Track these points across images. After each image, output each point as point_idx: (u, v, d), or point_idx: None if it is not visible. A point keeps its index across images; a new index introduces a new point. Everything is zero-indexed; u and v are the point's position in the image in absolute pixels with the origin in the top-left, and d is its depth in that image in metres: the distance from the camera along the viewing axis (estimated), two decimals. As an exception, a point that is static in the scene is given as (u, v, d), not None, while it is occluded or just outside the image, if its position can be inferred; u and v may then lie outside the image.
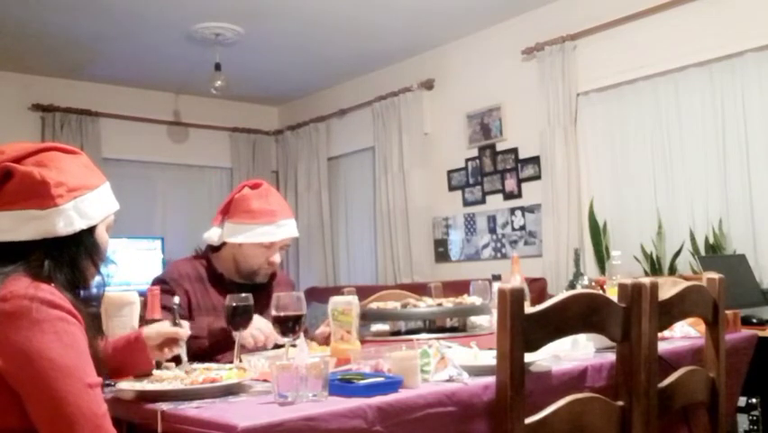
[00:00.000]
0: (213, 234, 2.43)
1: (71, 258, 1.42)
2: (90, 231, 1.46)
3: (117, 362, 1.67)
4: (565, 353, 1.91)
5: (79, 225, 1.42)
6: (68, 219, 1.40)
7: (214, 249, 2.45)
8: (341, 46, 5.31)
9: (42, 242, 1.39)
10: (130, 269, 5.36)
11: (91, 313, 1.43)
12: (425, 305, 2.34)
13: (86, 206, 1.44)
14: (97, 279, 1.52)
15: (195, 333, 2.07)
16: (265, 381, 1.59)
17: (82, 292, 1.45)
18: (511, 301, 1.49)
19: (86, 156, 1.53)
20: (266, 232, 2.36)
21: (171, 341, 1.73)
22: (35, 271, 1.35)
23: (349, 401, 1.38)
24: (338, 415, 1.33)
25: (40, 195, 1.38)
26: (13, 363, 1.25)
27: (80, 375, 1.27)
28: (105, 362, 1.59)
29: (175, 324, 1.75)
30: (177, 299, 1.86)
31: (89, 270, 1.47)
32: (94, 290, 1.52)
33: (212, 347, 2.16)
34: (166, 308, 1.95)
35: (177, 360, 1.85)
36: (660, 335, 1.89)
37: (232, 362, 1.87)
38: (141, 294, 1.99)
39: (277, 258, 2.43)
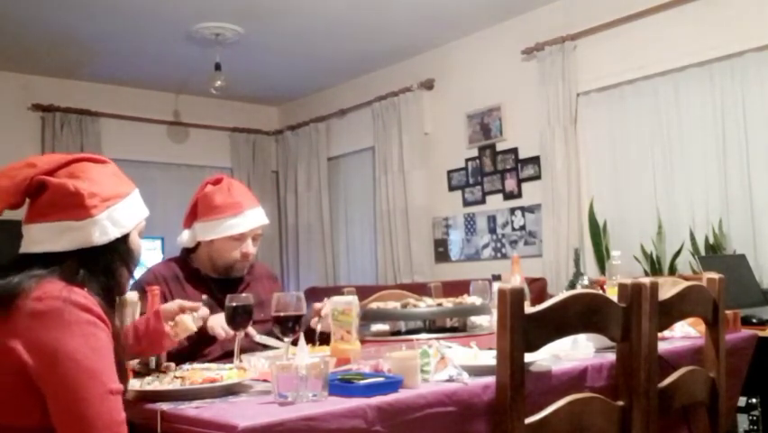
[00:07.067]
0: (184, 237, 2.43)
1: (106, 266, 1.45)
2: (124, 239, 1.50)
3: (141, 343, 1.72)
4: (565, 353, 1.91)
5: (114, 233, 1.46)
6: (102, 229, 1.44)
7: (190, 251, 2.46)
8: (341, 46, 5.31)
9: (77, 251, 1.42)
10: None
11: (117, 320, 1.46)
12: (425, 305, 2.35)
13: (119, 214, 1.48)
14: None
15: None
16: (265, 381, 1.59)
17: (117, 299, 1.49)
18: (511, 301, 1.49)
19: (114, 165, 1.57)
20: (233, 224, 2.35)
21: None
22: (69, 276, 1.38)
23: (349, 401, 1.38)
24: (338, 415, 1.33)
25: (74, 206, 1.42)
26: (41, 361, 1.27)
27: (104, 380, 1.30)
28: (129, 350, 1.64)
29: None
30: (205, 298, 1.87)
31: (124, 276, 1.51)
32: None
33: (192, 347, 2.17)
34: None
35: (177, 360, 1.85)
36: (660, 335, 1.89)
37: (220, 356, 1.88)
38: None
39: (251, 249, 2.42)
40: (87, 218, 1.42)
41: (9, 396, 1.29)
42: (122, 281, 1.50)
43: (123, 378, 1.40)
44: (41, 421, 1.29)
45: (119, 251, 1.48)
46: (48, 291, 1.32)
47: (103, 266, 1.44)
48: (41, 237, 1.41)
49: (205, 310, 1.80)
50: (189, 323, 1.74)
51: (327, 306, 2.14)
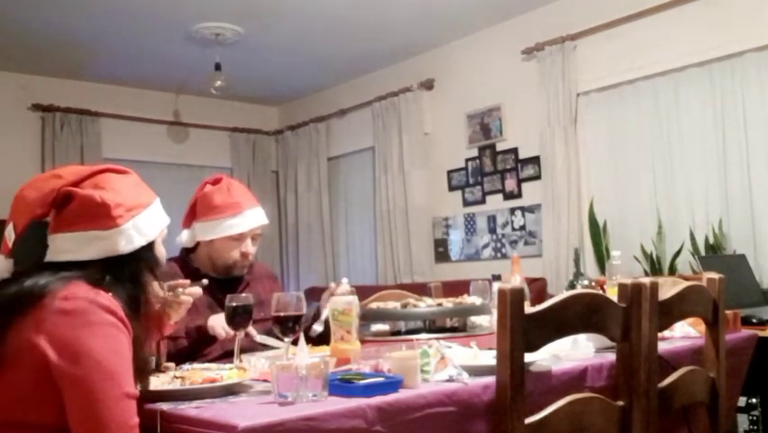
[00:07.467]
0: (183, 237, 2.44)
1: (131, 273, 1.49)
2: (149, 246, 1.54)
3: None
4: (565, 353, 1.91)
5: (139, 242, 1.50)
6: (128, 238, 1.49)
7: (189, 251, 2.47)
8: (341, 46, 5.31)
9: (103, 259, 1.46)
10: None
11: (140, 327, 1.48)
12: (425, 305, 2.35)
13: (143, 223, 1.52)
14: None
15: (173, 333, 2.10)
16: (265, 381, 1.59)
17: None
18: (511, 301, 1.49)
19: (136, 175, 1.61)
20: (233, 224, 2.36)
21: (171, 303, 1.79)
22: (96, 281, 1.41)
23: (349, 401, 1.38)
24: (338, 415, 1.33)
25: (101, 216, 1.46)
26: (63, 357, 1.30)
27: (122, 382, 1.32)
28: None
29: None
30: (205, 281, 1.87)
31: (150, 283, 1.55)
32: None
33: (191, 346, 2.19)
34: None
35: (177, 360, 1.85)
36: (660, 335, 1.89)
37: (220, 356, 1.87)
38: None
39: (250, 248, 2.43)
40: (114, 228, 1.46)
41: (29, 393, 1.32)
42: (147, 288, 1.53)
43: (143, 384, 1.43)
44: (57, 420, 1.31)
45: (144, 258, 1.52)
46: (74, 292, 1.35)
47: (128, 274, 1.48)
48: (68, 247, 1.45)
49: (197, 289, 1.80)
50: (155, 287, 1.74)
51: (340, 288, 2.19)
